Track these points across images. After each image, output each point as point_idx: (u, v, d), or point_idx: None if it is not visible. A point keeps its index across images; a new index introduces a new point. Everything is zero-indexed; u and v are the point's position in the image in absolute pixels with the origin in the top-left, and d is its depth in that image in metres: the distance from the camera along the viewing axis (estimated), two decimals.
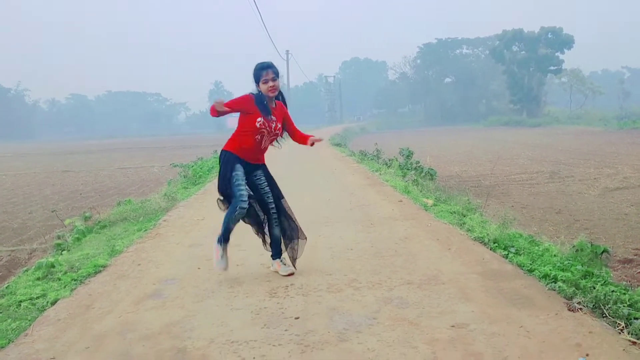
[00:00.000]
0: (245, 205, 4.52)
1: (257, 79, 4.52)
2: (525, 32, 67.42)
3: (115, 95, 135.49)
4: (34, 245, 8.12)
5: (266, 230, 4.86)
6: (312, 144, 4.78)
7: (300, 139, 4.85)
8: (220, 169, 4.68)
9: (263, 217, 4.83)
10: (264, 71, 4.47)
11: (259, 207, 4.79)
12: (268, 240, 4.88)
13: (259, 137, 4.56)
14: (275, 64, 4.62)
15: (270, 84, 4.47)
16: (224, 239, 4.66)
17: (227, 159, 4.60)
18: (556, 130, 44.48)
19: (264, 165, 4.84)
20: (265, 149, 4.75)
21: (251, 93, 4.59)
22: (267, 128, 4.55)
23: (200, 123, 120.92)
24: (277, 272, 4.82)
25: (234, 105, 4.54)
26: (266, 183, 4.76)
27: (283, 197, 4.86)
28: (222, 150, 4.72)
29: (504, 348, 3.16)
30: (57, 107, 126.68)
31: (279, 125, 4.68)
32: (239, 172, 4.54)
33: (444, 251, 5.46)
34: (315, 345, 3.33)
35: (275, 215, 4.76)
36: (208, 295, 4.36)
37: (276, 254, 4.86)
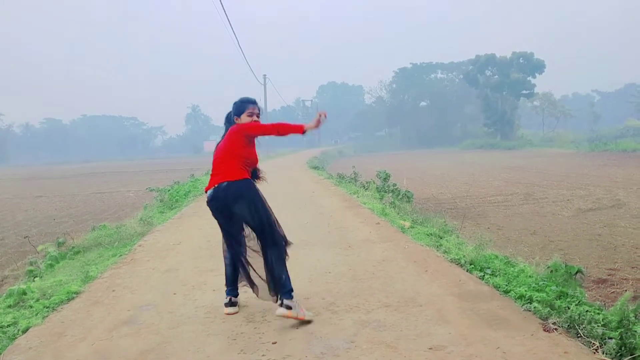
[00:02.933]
0: None
1: (240, 111, 4.40)
2: (498, 57, 68.90)
3: (91, 119, 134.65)
4: (5, 272, 7.92)
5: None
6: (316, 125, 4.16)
7: (295, 129, 4.27)
8: (261, 197, 4.25)
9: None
10: (250, 104, 4.42)
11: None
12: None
13: (253, 167, 4.52)
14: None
15: (255, 119, 4.40)
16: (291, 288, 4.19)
17: (255, 186, 4.34)
18: (530, 153, 45.27)
19: None
20: None
21: (245, 123, 4.38)
22: (255, 160, 4.49)
23: (177, 147, 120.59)
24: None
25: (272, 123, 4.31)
26: None
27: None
28: (244, 179, 4.24)
29: None
30: (31, 132, 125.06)
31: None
32: None
33: (421, 273, 5.48)
34: None
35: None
36: (184, 321, 4.29)
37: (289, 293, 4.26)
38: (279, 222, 4.35)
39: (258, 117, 4.45)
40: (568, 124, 78.59)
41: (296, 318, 4.05)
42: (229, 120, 4.53)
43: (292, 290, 4.15)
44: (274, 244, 4.20)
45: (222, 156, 4.28)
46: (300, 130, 4.18)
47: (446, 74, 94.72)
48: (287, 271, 4.20)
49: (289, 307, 4.04)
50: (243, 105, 4.44)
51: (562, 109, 73.92)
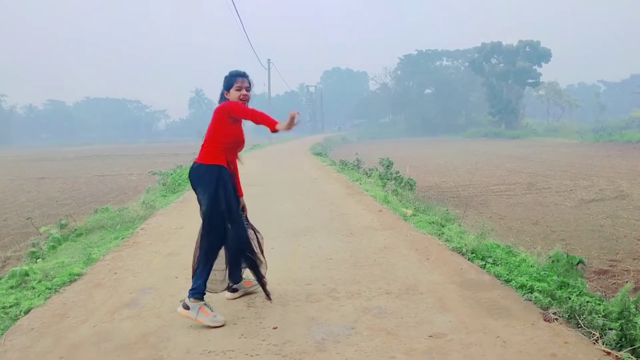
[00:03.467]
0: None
1: (229, 85, 4.20)
2: (504, 45, 68.52)
3: (94, 102, 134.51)
4: (8, 253, 7.96)
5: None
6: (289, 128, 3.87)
7: (269, 123, 3.97)
8: (214, 188, 4.01)
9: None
10: (239, 78, 4.19)
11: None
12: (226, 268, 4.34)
13: (239, 149, 4.29)
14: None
15: (244, 92, 4.17)
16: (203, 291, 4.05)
17: (220, 175, 4.05)
18: (534, 142, 45.15)
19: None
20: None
21: (232, 101, 4.20)
22: (241, 142, 4.27)
23: (180, 131, 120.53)
24: (247, 293, 4.52)
25: (258, 111, 4.03)
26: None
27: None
28: (210, 165, 4.05)
29: (481, 358, 3.18)
30: (34, 113, 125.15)
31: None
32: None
33: (423, 261, 5.49)
34: (293, 355, 3.31)
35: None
36: None
37: (240, 277, 4.48)
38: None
39: (247, 90, 4.20)
40: (573, 114, 78.31)
41: (195, 320, 3.87)
42: (222, 97, 4.30)
43: (198, 291, 3.95)
44: (202, 239, 4.11)
45: (206, 137, 4.16)
46: (272, 125, 3.84)
47: (451, 62, 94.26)
48: (204, 272, 4.02)
49: (186, 307, 3.90)
50: (232, 79, 4.20)
51: (567, 98, 73.57)
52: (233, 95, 4.17)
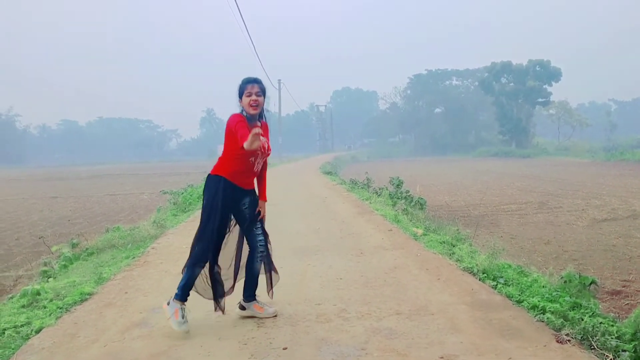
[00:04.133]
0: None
1: (240, 93, 4.22)
2: (514, 65, 68.59)
3: (107, 122, 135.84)
4: (19, 272, 8.01)
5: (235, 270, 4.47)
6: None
7: (260, 183, 4.53)
8: (212, 197, 4.24)
9: (237, 254, 4.48)
10: (249, 84, 4.18)
11: (243, 239, 4.48)
12: (230, 284, 4.45)
13: (253, 159, 4.27)
14: (267, 93, 4.32)
15: (253, 97, 4.15)
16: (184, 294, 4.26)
17: (217, 185, 4.23)
18: (545, 162, 44.93)
19: (254, 191, 4.53)
20: (257, 172, 4.43)
21: (240, 113, 4.24)
22: (261, 149, 4.22)
23: (192, 150, 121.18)
24: (255, 316, 4.45)
25: (246, 130, 4.04)
26: (252, 212, 4.42)
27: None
28: (210, 175, 4.32)
29: None
30: (47, 133, 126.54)
31: (269, 144, 4.40)
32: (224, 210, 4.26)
33: (434, 281, 5.46)
34: None
35: (262, 248, 4.42)
36: (195, 325, 4.30)
37: (252, 295, 4.47)
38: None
39: (257, 95, 4.18)
40: (584, 133, 77.95)
41: (167, 318, 4.16)
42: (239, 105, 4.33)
43: (179, 293, 4.20)
44: (194, 244, 4.33)
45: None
46: (241, 143, 3.96)
47: (461, 81, 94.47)
48: (186, 275, 4.24)
49: (168, 302, 4.20)
50: (243, 86, 4.21)
51: (578, 117, 73.28)
52: (244, 102, 4.20)
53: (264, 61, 49.71)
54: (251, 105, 4.17)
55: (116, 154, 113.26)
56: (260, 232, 4.46)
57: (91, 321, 4.54)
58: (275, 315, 4.43)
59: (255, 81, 4.24)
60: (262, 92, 4.25)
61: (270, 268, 4.48)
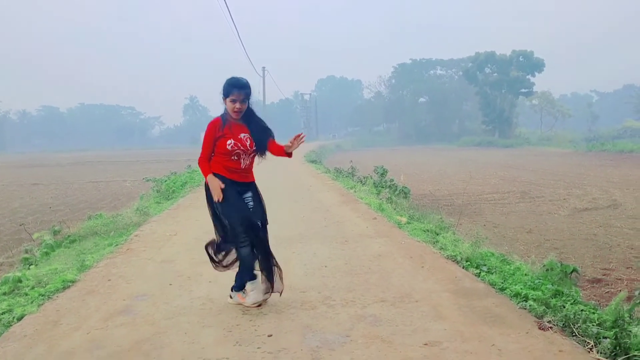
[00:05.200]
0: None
1: (226, 94, 4.24)
2: (498, 55, 68.97)
3: (88, 108, 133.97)
4: (0, 259, 7.90)
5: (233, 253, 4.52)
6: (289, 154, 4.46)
7: (278, 152, 4.48)
8: (208, 193, 4.35)
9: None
10: (235, 90, 4.19)
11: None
12: (228, 264, 4.58)
13: (236, 158, 4.30)
14: (250, 81, 4.37)
15: (238, 105, 4.21)
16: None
17: (217, 179, 4.28)
18: (527, 151, 45.39)
19: (254, 184, 4.57)
20: (248, 167, 4.44)
21: (220, 117, 4.32)
22: (242, 148, 4.29)
23: (175, 137, 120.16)
24: (240, 304, 4.43)
25: (210, 143, 4.31)
26: (255, 205, 4.47)
27: (267, 223, 4.55)
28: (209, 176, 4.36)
29: None
30: (27, 119, 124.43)
31: (251, 141, 4.36)
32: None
33: (418, 269, 5.49)
34: None
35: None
36: (179, 312, 4.29)
37: (240, 287, 4.45)
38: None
39: (242, 103, 4.22)
40: (566, 123, 78.70)
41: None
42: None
43: (235, 286, 4.47)
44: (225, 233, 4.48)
45: None
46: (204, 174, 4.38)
47: (445, 71, 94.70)
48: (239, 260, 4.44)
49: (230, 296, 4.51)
50: (229, 89, 4.20)
51: (560, 108, 74.00)
52: (228, 105, 4.26)
53: (248, 49, 49.34)
54: (235, 112, 4.27)
55: (97, 141, 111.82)
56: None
57: (74, 309, 4.50)
58: (259, 305, 4.37)
59: (242, 87, 4.24)
60: (247, 97, 4.30)
61: (269, 267, 4.41)
